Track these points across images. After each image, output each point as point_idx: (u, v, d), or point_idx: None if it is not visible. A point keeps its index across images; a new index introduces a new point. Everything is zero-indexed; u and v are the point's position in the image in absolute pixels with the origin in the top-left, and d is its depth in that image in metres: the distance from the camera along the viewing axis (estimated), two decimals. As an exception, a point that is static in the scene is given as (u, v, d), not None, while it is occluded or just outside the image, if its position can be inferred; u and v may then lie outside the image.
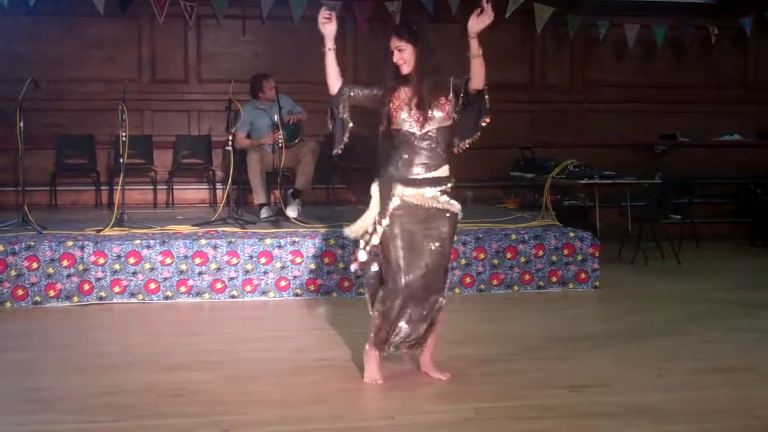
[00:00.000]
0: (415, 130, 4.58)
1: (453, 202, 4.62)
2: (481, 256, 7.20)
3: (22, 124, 7.24)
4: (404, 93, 4.60)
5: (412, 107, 4.56)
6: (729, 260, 9.08)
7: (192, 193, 10.10)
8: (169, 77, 10.72)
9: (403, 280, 4.50)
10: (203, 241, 6.85)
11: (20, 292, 6.55)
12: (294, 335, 5.85)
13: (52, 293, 6.59)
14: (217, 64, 10.72)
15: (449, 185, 4.62)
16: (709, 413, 4.28)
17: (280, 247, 6.92)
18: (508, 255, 7.24)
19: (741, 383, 4.76)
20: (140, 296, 6.72)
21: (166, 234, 7.04)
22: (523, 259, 7.26)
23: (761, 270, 8.52)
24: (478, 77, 4.50)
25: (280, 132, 8.00)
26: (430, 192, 4.58)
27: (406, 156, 4.64)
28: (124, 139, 7.37)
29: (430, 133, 4.58)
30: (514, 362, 5.09)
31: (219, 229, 7.27)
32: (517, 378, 4.79)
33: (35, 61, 9.91)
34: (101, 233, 6.96)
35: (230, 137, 7.76)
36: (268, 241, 6.93)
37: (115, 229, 7.10)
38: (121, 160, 7.44)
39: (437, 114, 4.54)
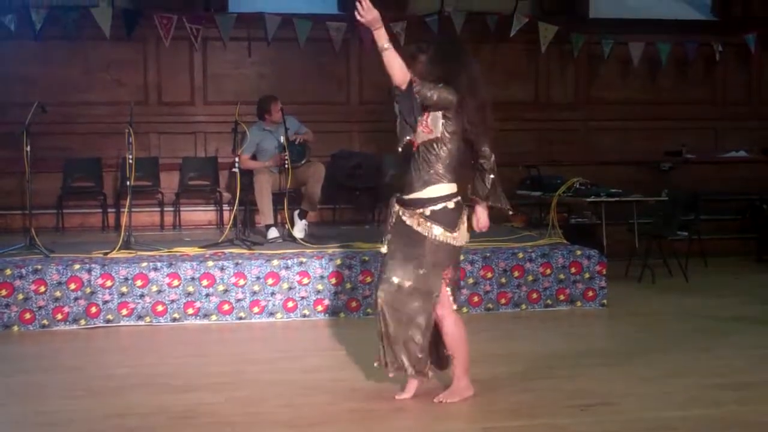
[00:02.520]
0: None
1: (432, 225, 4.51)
2: (489, 275, 7.19)
3: (28, 148, 7.27)
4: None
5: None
6: (736, 276, 9.04)
7: (199, 214, 10.12)
8: (176, 99, 10.76)
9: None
10: (210, 263, 6.85)
11: (28, 315, 6.55)
12: (302, 356, 5.84)
13: (59, 316, 6.60)
14: (223, 85, 10.77)
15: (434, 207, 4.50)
16: (718, 430, 4.27)
17: (287, 268, 6.92)
18: (516, 273, 7.23)
19: (750, 399, 4.74)
20: (147, 319, 6.72)
21: (173, 256, 7.05)
22: (530, 278, 7.24)
23: (768, 286, 8.50)
24: (388, 73, 4.41)
25: (287, 153, 8.01)
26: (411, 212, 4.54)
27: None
28: (130, 161, 7.40)
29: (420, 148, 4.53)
30: (523, 381, 5.07)
31: (226, 251, 7.27)
32: (526, 397, 4.77)
33: (42, 85, 9.97)
34: (108, 256, 6.97)
35: (236, 159, 7.79)
36: (275, 262, 6.93)
37: (122, 251, 7.10)
38: (128, 183, 7.47)
39: (419, 129, 4.48)
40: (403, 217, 4.58)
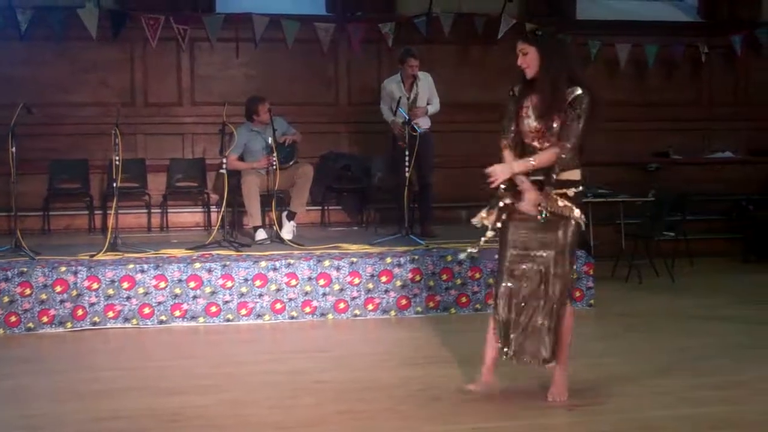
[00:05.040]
0: (536, 143, 4.57)
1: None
2: (477, 275, 7.19)
3: (14, 149, 7.23)
4: (531, 101, 4.58)
5: (536, 115, 4.54)
6: (722, 277, 9.09)
7: (186, 216, 10.08)
8: (163, 100, 10.73)
9: None
10: (197, 265, 6.83)
11: (13, 318, 6.51)
12: (290, 358, 5.82)
13: (45, 319, 6.56)
14: (210, 87, 10.74)
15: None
16: (706, 429, 4.28)
17: (275, 269, 6.91)
18: (503, 274, 7.23)
19: (738, 399, 4.76)
20: (134, 321, 6.70)
21: (160, 258, 7.03)
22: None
23: (755, 286, 8.54)
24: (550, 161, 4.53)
25: (274, 155, 8.01)
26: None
27: None
28: (117, 162, 7.36)
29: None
30: (512, 381, 5.06)
31: (213, 253, 7.25)
32: (514, 397, 4.77)
33: (28, 86, 9.91)
34: (95, 258, 6.94)
35: (224, 160, 7.77)
36: (263, 263, 6.92)
37: (108, 253, 7.07)
38: (115, 184, 7.42)
39: (556, 127, 4.50)
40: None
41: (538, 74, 4.52)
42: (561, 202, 4.53)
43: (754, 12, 11.91)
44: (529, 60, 4.53)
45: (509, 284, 4.65)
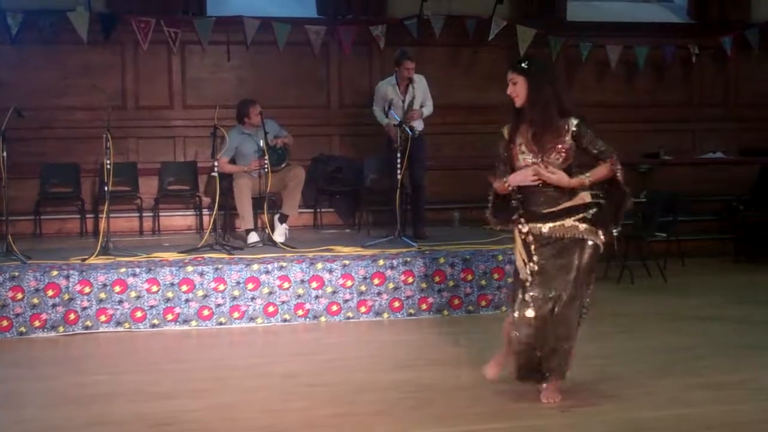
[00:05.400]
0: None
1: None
2: (469, 277, 7.20)
3: (5, 154, 7.21)
4: (523, 136, 4.64)
5: (530, 149, 4.60)
6: (714, 277, 9.11)
7: (178, 219, 10.06)
8: (154, 104, 10.71)
9: None
10: (190, 268, 6.82)
11: (5, 323, 6.49)
12: (282, 361, 5.81)
13: (37, 323, 6.54)
14: (201, 89, 10.72)
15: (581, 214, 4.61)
16: (699, 429, 4.30)
17: (267, 272, 6.90)
18: (495, 276, 7.25)
19: (731, 399, 4.78)
20: (126, 325, 6.68)
21: (152, 261, 7.01)
22: (510, 280, 7.23)
23: (746, 286, 8.56)
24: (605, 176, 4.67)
25: (266, 157, 8.00)
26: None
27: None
28: (108, 166, 7.34)
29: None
30: (504, 383, 5.06)
31: (206, 256, 7.24)
32: (507, 399, 4.78)
33: (18, 90, 9.87)
34: (86, 262, 6.92)
35: (215, 163, 7.76)
36: (256, 266, 6.91)
37: (100, 257, 7.06)
38: (106, 188, 7.41)
39: (553, 158, 4.55)
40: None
41: (527, 103, 4.60)
42: (582, 226, 4.58)
43: (744, 13, 11.94)
44: (518, 89, 4.62)
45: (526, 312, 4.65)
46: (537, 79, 4.56)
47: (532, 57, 4.92)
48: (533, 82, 4.56)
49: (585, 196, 4.61)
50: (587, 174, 4.59)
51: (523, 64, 4.63)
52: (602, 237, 4.64)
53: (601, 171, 4.61)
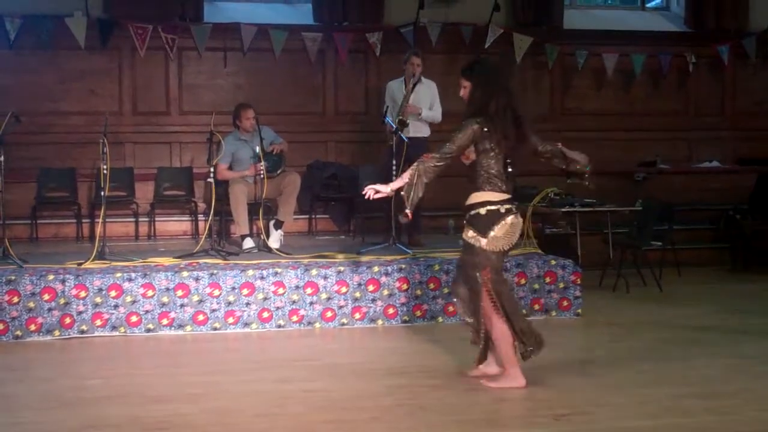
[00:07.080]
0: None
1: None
2: (464, 284, 7.20)
3: (2, 158, 7.21)
4: None
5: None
6: (709, 286, 9.12)
7: (174, 224, 10.06)
8: (151, 109, 10.72)
9: None
10: (185, 273, 6.83)
11: (1, 326, 6.49)
12: (277, 366, 5.82)
13: (33, 327, 6.54)
14: (198, 95, 10.74)
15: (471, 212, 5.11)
16: (692, 439, 4.31)
17: (262, 278, 6.91)
18: (491, 283, 7.25)
19: (723, 409, 4.78)
20: (122, 329, 6.69)
21: (148, 266, 7.02)
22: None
23: (741, 296, 8.56)
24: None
25: (262, 163, 8.02)
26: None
27: None
28: (105, 171, 7.35)
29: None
30: (498, 390, 5.08)
31: (201, 261, 7.25)
32: (501, 406, 4.79)
33: (16, 95, 9.89)
34: (82, 266, 6.93)
35: (212, 169, 7.77)
36: (251, 272, 6.92)
37: (96, 262, 7.06)
38: (103, 193, 7.42)
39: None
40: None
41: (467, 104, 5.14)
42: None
43: (741, 22, 11.97)
44: (466, 93, 5.17)
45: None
46: (477, 83, 5.08)
47: (482, 60, 5.51)
48: (474, 85, 5.10)
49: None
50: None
51: (467, 70, 5.15)
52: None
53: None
